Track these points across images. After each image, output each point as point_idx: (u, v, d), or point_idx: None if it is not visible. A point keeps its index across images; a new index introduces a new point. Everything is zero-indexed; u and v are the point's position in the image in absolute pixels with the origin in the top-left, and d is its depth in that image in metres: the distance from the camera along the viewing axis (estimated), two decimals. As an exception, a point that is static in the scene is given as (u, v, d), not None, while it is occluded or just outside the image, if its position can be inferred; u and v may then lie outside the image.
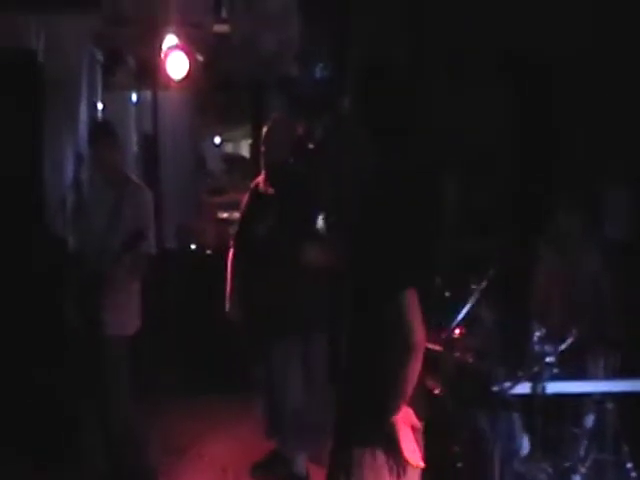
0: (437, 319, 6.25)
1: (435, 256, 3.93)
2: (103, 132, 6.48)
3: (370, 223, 3.67)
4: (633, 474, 5.79)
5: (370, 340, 3.68)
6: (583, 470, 5.83)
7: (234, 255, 6.55)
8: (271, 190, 6.32)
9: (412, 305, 3.55)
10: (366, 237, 3.67)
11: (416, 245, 3.64)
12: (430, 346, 6.06)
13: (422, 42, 9.63)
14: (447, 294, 6.23)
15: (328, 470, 3.82)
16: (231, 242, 6.64)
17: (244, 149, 16.07)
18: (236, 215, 7.95)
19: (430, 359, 6.15)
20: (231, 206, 10.55)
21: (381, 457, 3.64)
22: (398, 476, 3.66)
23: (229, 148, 17.42)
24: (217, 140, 16.29)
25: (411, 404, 3.70)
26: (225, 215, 11.08)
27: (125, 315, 6.19)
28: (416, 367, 3.61)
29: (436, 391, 5.88)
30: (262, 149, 6.36)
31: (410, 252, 3.60)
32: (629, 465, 5.80)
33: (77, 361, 6.47)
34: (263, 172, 6.41)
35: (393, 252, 3.58)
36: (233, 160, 15.35)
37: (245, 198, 6.63)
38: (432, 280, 3.90)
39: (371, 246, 3.63)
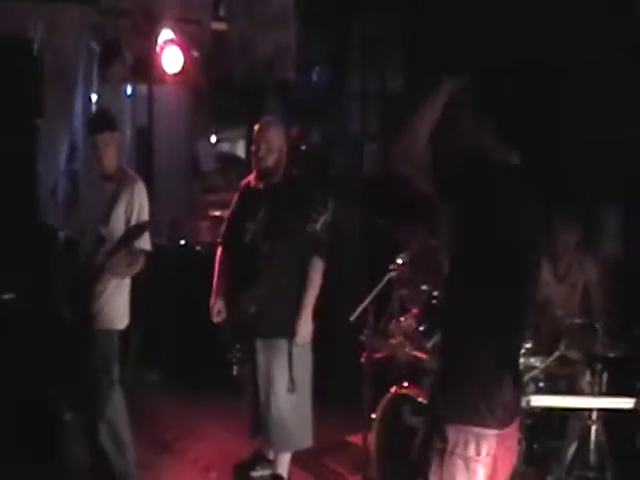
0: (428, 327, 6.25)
1: None
2: (103, 122, 6.34)
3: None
4: (617, 492, 5.79)
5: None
6: (567, 486, 5.82)
7: (222, 253, 6.52)
8: (262, 190, 6.28)
9: None
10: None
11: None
12: (417, 354, 6.10)
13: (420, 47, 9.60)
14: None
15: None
16: (219, 240, 6.61)
17: (240, 149, 16.05)
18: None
19: (416, 368, 6.19)
20: (224, 205, 10.53)
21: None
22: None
23: (225, 147, 17.40)
24: (213, 139, 16.25)
25: None
26: (218, 213, 11.06)
27: (116, 309, 6.14)
28: None
29: (421, 399, 5.86)
30: (252, 150, 6.33)
31: None
32: (613, 483, 5.80)
33: (66, 354, 6.42)
34: (254, 172, 6.38)
35: None
36: (227, 159, 15.34)
37: (235, 196, 6.61)
38: None
39: None
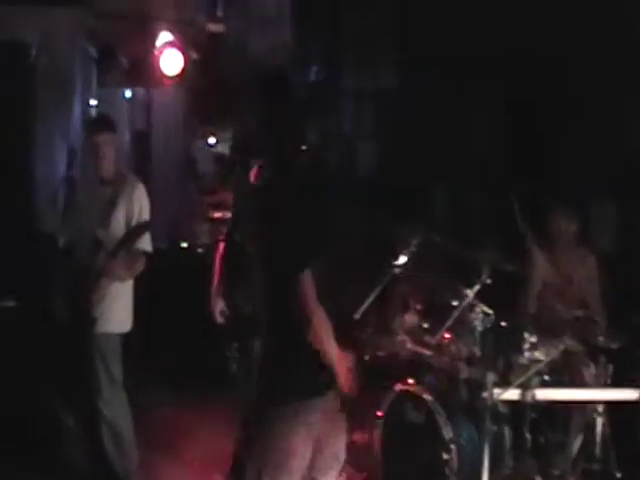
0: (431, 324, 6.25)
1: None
2: (102, 124, 6.38)
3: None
4: (622, 484, 5.77)
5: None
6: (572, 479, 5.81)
7: (222, 254, 6.53)
8: (256, 189, 6.29)
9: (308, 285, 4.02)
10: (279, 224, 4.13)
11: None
12: (420, 350, 6.10)
13: (412, 46, 9.61)
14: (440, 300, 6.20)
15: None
16: (221, 241, 6.62)
17: (238, 150, 16.04)
18: (228, 215, 7.92)
19: (420, 363, 6.19)
20: (223, 206, 10.54)
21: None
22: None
23: (224, 148, 17.38)
24: (212, 140, 16.23)
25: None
26: (218, 214, 11.05)
27: (117, 312, 6.13)
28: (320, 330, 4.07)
29: (425, 396, 5.85)
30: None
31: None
32: (618, 475, 5.78)
33: (66, 359, 6.40)
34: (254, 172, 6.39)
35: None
36: (225, 160, 15.33)
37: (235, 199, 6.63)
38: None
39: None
